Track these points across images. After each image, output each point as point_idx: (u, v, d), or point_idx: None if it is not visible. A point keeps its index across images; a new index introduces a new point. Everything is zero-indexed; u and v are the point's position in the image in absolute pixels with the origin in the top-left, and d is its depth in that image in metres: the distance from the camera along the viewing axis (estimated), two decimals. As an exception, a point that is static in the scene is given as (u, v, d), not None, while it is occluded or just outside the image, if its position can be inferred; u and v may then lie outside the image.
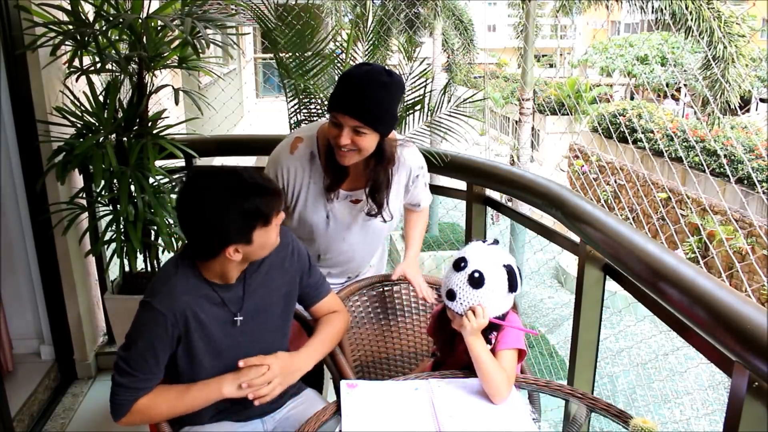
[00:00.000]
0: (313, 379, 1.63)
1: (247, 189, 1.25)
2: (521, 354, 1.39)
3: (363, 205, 1.66)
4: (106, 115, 2.16)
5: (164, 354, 1.30)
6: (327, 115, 2.21)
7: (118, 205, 2.15)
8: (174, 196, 2.35)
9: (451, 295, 1.32)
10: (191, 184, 1.28)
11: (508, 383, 1.31)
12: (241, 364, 1.33)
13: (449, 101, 2.38)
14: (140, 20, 2.03)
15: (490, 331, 1.35)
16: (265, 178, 1.32)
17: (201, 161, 2.69)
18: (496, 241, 1.39)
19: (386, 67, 1.50)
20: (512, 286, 1.32)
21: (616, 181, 11.55)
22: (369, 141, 1.48)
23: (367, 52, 2.52)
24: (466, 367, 1.41)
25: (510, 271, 1.32)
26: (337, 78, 1.55)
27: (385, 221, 1.68)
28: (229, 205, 1.23)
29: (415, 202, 1.81)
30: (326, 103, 2.27)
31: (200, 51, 2.08)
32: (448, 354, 1.48)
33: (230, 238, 1.25)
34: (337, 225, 1.67)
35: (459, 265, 1.33)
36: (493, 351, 1.35)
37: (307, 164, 1.61)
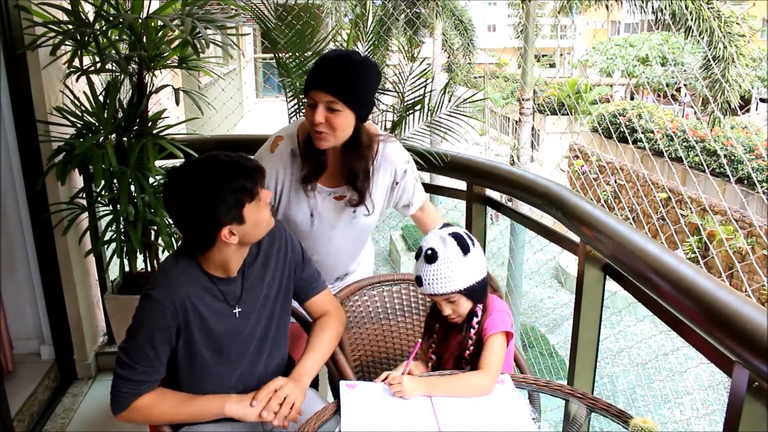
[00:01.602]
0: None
1: (227, 169, 1.27)
2: (508, 336, 1.41)
3: (347, 201, 1.63)
4: (106, 115, 2.16)
5: (164, 346, 1.30)
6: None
7: (118, 205, 2.15)
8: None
9: (419, 281, 1.39)
10: (174, 177, 1.29)
11: (487, 374, 1.34)
12: (265, 415, 1.33)
13: (449, 101, 2.38)
14: (140, 20, 2.03)
15: (472, 317, 1.41)
16: (243, 156, 1.33)
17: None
18: (446, 224, 1.45)
19: (359, 52, 1.52)
20: (464, 249, 1.37)
21: (616, 181, 11.56)
22: (343, 120, 1.46)
23: (367, 52, 2.52)
24: (459, 359, 1.43)
25: (456, 236, 1.38)
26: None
27: (366, 213, 1.65)
28: (213, 188, 1.24)
29: (407, 203, 1.76)
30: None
31: (200, 51, 2.08)
32: (444, 348, 1.49)
33: (222, 219, 1.25)
34: (322, 224, 1.65)
35: (418, 254, 1.41)
36: (481, 338, 1.39)
37: (288, 162, 1.59)
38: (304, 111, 1.51)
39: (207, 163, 1.28)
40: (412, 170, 1.72)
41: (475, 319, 1.41)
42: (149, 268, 2.42)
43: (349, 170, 1.58)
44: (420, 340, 1.43)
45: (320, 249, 1.70)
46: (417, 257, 1.41)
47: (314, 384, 1.60)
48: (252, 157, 1.60)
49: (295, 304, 1.54)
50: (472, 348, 1.41)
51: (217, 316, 1.34)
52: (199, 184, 1.25)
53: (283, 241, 1.45)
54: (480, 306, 1.41)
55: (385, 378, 1.35)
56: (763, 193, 9.54)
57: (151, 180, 2.21)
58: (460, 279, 1.36)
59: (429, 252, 1.37)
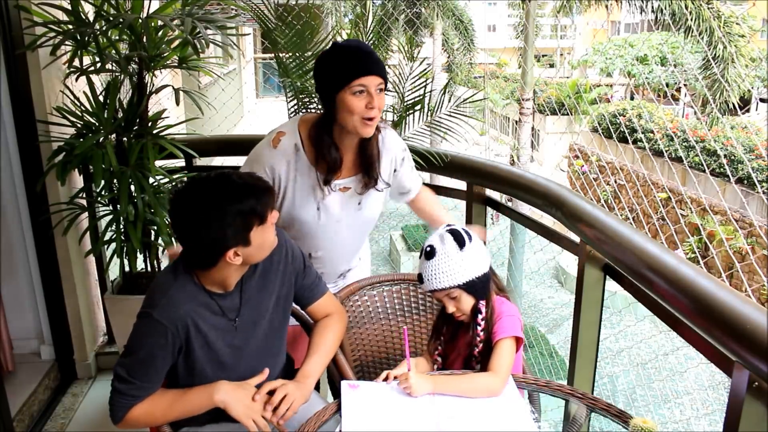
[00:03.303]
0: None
1: (239, 191, 1.25)
2: (518, 341, 1.42)
3: (352, 192, 1.64)
4: (106, 115, 2.16)
5: (164, 364, 1.30)
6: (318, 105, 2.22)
7: (118, 205, 2.15)
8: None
9: (420, 278, 1.42)
10: (183, 194, 1.26)
11: (497, 376, 1.34)
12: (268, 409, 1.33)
13: (449, 101, 2.38)
14: (140, 20, 2.03)
15: (476, 314, 1.42)
16: (255, 176, 1.32)
17: (201, 161, 2.69)
18: (449, 225, 1.47)
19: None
20: (460, 244, 1.39)
21: (616, 181, 11.56)
22: (384, 100, 1.51)
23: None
24: (467, 359, 1.43)
25: (452, 231, 1.41)
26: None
27: (379, 190, 1.67)
28: (223, 210, 1.22)
29: (406, 189, 1.78)
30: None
31: (200, 51, 2.08)
32: (451, 348, 1.50)
33: (229, 242, 1.24)
34: (328, 218, 1.64)
35: (421, 253, 1.44)
36: (489, 341, 1.40)
37: (291, 157, 1.58)
38: (349, 100, 1.46)
39: (218, 184, 1.25)
40: (408, 158, 1.75)
41: (480, 316, 1.41)
42: (149, 268, 2.42)
43: (368, 155, 1.60)
44: (405, 327, 1.46)
45: (326, 244, 1.70)
46: (419, 257, 1.44)
47: (315, 387, 1.60)
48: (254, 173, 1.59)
49: (296, 306, 1.54)
50: (481, 345, 1.42)
51: (216, 331, 1.34)
52: (209, 206, 1.23)
53: (282, 252, 1.43)
54: (483, 302, 1.42)
55: (386, 377, 1.35)
56: (763, 193, 9.54)
57: (151, 180, 2.21)
58: (457, 273, 1.38)
59: (428, 249, 1.40)
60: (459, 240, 1.39)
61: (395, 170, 1.71)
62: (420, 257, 1.43)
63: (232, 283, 1.34)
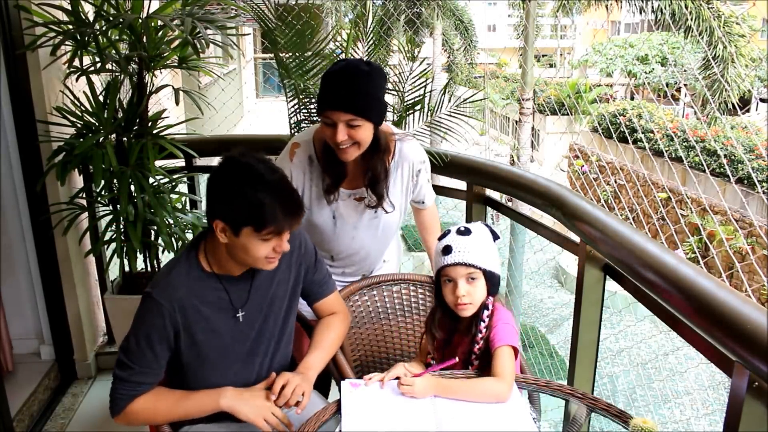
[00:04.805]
0: (318, 380, 1.63)
1: (268, 190, 1.24)
2: (515, 351, 1.41)
3: (367, 202, 1.67)
4: (106, 115, 2.16)
5: (162, 348, 1.30)
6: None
7: (118, 205, 2.15)
8: (174, 196, 2.36)
9: (448, 249, 1.40)
10: (251, 157, 1.27)
11: (504, 382, 1.32)
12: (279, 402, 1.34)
13: (449, 101, 2.38)
14: (140, 20, 2.03)
15: (482, 310, 1.41)
16: (297, 200, 1.30)
17: (201, 161, 2.69)
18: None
19: (363, 59, 1.52)
20: (494, 235, 1.45)
21: (616, 181, 11.55)
22: (364, 132, 1.50)
23: (367, 52, 2.51)
24: (466, 363, 1.43)
25: (488, 226, 1.47)
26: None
27: (387, 212, 1.68)
28: (244, 189, 1.23)
29: (419, 199, 1.82)
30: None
31: (200, 51, 2.08)
32: (449, 354, 1.49)
33: (223, 212, 1.25)
34: (344, 224, 1.68)
35: (443, 236, 1.44)
36: (490, 348, 1.38)
37: (306, 168, 1.63)
38: (321, 128, 1.53)
39: (276, 177, 1.26)
40: (426, 170, 1.76)
41: (486, 312, 1.41)
42: (149, 268, 2.42)
43: (370, 174, 1.61)
44: (456, 358, 1.41)
45: (344, 249, 1.74)
46: (441, 238, 1.44)
47: (323, 388, 1.60)
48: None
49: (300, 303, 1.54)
50: (482, 342, 1.41)
51: (220, 313, 1.34)
52: (251, 176, 1.24)
53: (296, 243, 1.44)
54: (491, 299, 1.42)
55: (380, 380, 1.35)
56: (763, 193, 9.54)
57: (151, 180, 2.21)
58: (488, 258, 1.39)
59: (463, 228, 1.41)
60: (492, 232, 1.44)
61: (412, 179, 1.72)
62: (447, 234, 1.42)
63: (233, 267, 1.34)
